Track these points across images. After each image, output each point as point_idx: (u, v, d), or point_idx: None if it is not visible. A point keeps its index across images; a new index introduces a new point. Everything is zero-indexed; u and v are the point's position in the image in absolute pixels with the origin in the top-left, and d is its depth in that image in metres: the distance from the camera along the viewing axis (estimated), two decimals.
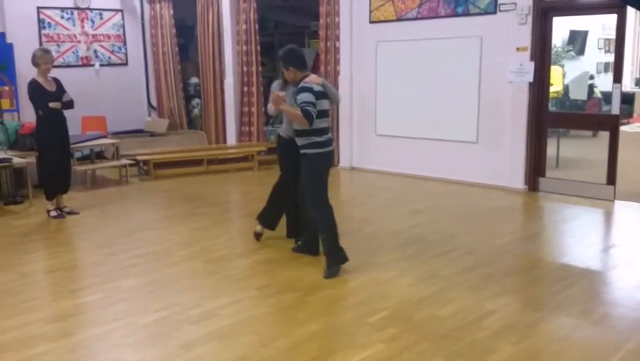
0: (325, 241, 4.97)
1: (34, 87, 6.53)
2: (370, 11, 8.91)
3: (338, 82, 9.28)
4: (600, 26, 12.62)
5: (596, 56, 12.88)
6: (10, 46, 9.80)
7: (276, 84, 5.36)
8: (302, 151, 4.91)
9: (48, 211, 6.85)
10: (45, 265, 5.37)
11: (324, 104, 4.88)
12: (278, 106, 4.86)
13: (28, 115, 8.31)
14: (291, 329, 3.93)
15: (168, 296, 4.49)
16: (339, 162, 9.49)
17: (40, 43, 10.49)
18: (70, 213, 6.94)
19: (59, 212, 6.87)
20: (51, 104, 6.52)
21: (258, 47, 10.44)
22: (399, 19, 8.61)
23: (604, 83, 11.25)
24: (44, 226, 6.60)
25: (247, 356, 3.58)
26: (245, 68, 10.53)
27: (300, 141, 4.91)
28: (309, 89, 4.75)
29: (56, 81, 6.70)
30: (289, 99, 4.95)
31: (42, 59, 6.52)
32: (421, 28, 8.39)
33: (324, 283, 4.70)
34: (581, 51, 12.51)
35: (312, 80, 4.87)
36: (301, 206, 5.26)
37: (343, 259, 4.94)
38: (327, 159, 5.05)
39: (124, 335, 3.88)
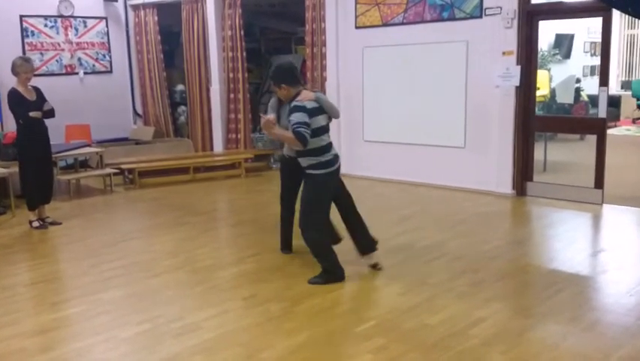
0: (323, 263, 4.82)
1: (14, 96, 6.41)
2: (356, 16, 8.87)
3: (325, 88, 9.22)
4: (586, 30, 12.65)
5: (582, 59, 12.92)
6: None
7: (272, 101, 5.12)
8: (307, 172, 4.69)
9: (30, 222, 6.73)
10: (26, 277, 5.25)
11: (321, 121, 4.64)
12: (269, 131, 4.64)
13: (10, 124, 8.17)
14: (277, 340, 3.85)
15: (151, 308, 4.39)
16: None
17: (24, 52, 10.36)
18: (52, 223, 6.82)
19: (42, 222, 6.75)
20: (31, 114, 6.41)
21: (244, 54, 10.38)
22: (385, 25, 8.58)
23: (590, 86, 11.26)
24: (26, 237, 6.49)
25: None
26: (231, 75, 10.45)
27: (303, 162, 4.68)
28: (302, 108, 4.51)
29: (36, 90, 6.59)
30: (285, 119, 4.74)
31: (22, 67, 6.41)
32: (407, 33, 8.36)
33: (312, 292, 4.62)
34: (567, 55, 12.54)
35: (304, 96, 4.60)
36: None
37: (340, 278, 4.79)
38: (334, 179, 4.80)
39: (105, 349, 3.78)
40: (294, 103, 4.59)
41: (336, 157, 4.78)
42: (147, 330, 4.03)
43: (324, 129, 4.70)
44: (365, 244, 5.08)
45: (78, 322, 4.22)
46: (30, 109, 6.42)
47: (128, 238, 6.31)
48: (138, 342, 3.88)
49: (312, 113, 4.56)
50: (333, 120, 4.95)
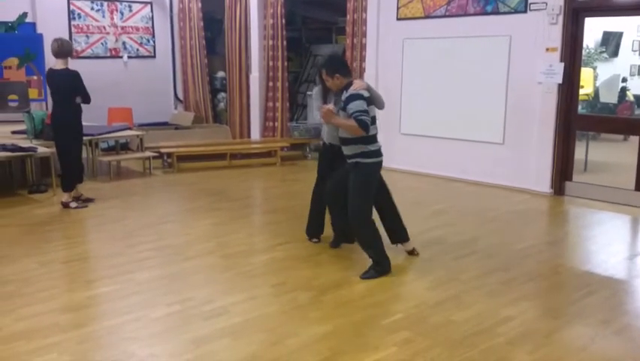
0: (372, 255, 4.81)
1: (79, 76, 6.66)
2: (398, 8, 8.81)
3: (364, 79, 9.19)
4: (635, 28, 12.30)
5: (630, 58, 12.56)
6: (40, 36, 9.90)
7: (317, 91, 5.14)
8: (353, 160, 4.67)
9: (66, 204, 6.84)
10: (63, 254, 5.39)
11: (373, 110, 4.69)
12: (329, 120, 4.64)
13: None
14: (303, 329, 3.88)
15: (182, 290, 4.48)
16: None
17: (70, 34, 10.62)
18: (87, 200, 7.04)
19: (80, 202, 6.91)
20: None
21: (285, 42, 10.42)
22: (427, 17, 8.50)
23: (638, 86, 10.97)
24: (65, 215, 6.66)
25: (258, 355, 3.55)
26: (271, 63, 10.51)
27: (348, 150, 4.69)
28: (360, 97, 4.53)
29: None
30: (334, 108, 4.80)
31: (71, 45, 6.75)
32: (449, 26, 8.28)
33: (340, 282, 4.65)
34: (614, 53, 12.21)
35: (359, 85, 4.63)
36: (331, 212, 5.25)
37: (388, 270, 4.79)
38: (379, 169, 4.82)
39: (135, 328, 3.87)
40: (350, 92, 4.58)
41: (381, 149, 4.78)
42: (177, 311, 4.11)
43: (375, 119, 4.72)
44: (399, 234, 5.21)
45: (111, 300, 4.33)
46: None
47: (163, 221, 6.43)
48: (168, 323, 3.96)
49: (368, 102, 4.60)
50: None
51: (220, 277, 4.83)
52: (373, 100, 4.73)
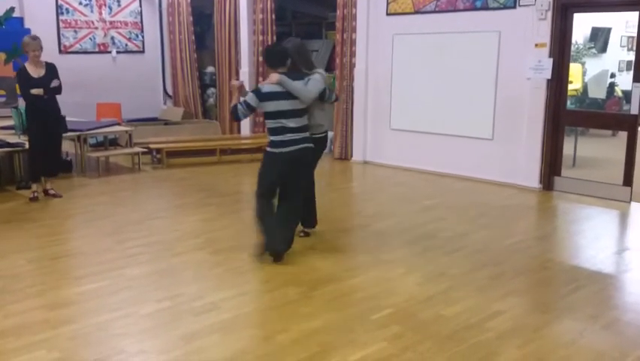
0: (258, 229, 5.04)
1: (19, 73, 6.71)
2: (388, 3, 8.80)
3: (354, 74, 9.21)
4: (624, 23, 12.36)
5: (618, 53, 12.63)
6: (28, 31, 9.79)
7: None
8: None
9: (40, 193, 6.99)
10: (52, 251, 5.35)
11: (276, 105, 4.79)
12: (231, 91, 4.96)
13: None
14: (293, 324, 3.88)
15: (172, 286, 4.47)
16: (352, 155, 9.42)
17: (58, 29, 10.55)
18: (54, 195, 7.04)
19: (35, 195, 6.92)
20: (32, 91, 6.61)
21: (275, 37, 10.39)
22: (416, 12, 8.50)
23: (626, 81, 11.02)
24: (53, 211, 6.62)
25: (247, 350, 3.55)
26: (261, 58, 10.47)
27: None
28: (255, 91, 4.87)
29: (49, 67, 6.80)
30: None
31: (30, 46, 6.65)
32: (438, 22, 8.29)
33: (330, 278, 4.65)
34: (603, 49, 12.27)
35: (269, 80, 4.83)
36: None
37: (268, 248, 4.94)
38: (279, 161, 4.87)
39: (125, 324, 3.86)
40: (258, 85, 4.87)
41: (287, 142, 4.83)
42: (167, 307, 4.10)
43: (281, 114, 4.82)
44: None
45: (100, 296, 4.31)
46: (33, 86, 6.62)
47: (153, 217, 6.41)
48: (158, 319, 3.95)
49: (266, 97, 4.80)
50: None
51: (210, 273, 4.82)
52: (297, 94, 4.81)
